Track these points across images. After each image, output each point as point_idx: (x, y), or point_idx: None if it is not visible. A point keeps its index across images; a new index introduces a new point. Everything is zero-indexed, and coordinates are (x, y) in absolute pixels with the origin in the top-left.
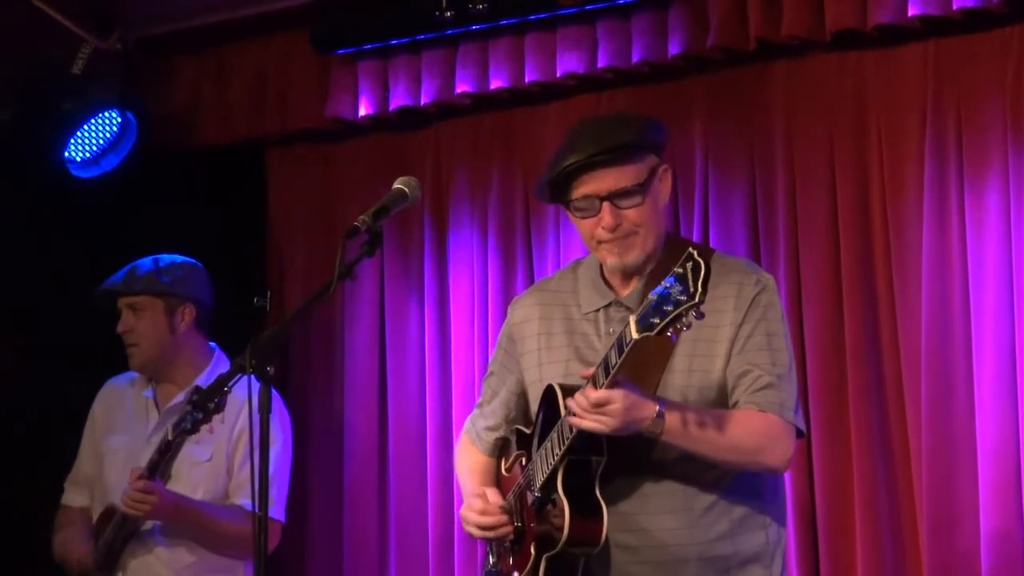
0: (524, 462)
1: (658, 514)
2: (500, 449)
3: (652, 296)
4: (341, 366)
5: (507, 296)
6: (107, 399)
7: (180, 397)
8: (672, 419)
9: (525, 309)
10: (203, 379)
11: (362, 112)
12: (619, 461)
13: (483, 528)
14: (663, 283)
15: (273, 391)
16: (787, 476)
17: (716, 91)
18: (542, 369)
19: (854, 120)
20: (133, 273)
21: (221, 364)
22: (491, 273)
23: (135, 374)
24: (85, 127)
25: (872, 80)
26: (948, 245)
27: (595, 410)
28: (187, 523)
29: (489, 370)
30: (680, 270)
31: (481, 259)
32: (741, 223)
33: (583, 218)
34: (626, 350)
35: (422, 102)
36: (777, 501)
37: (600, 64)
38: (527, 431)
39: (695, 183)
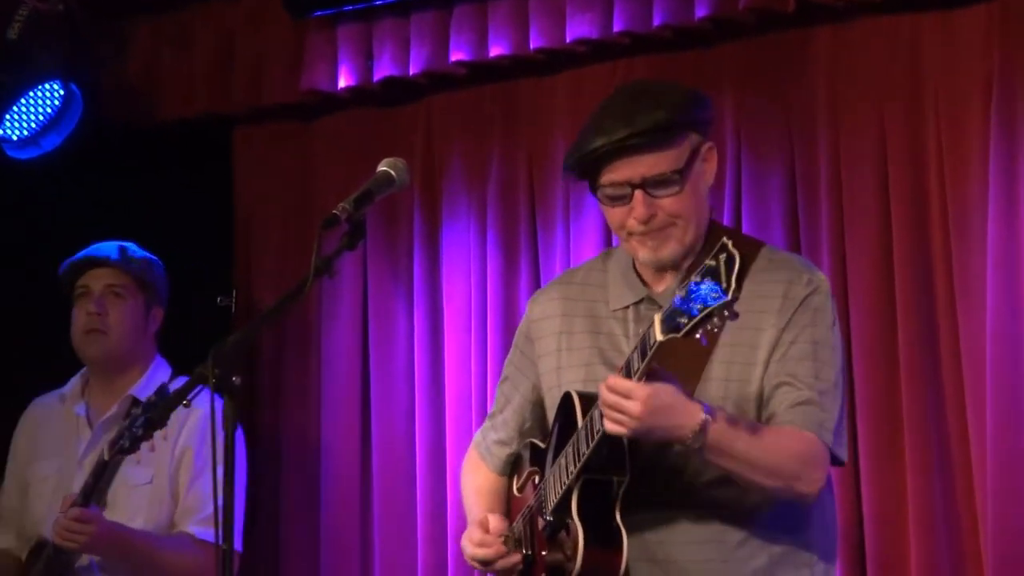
0: (537, 481)
1: (687, 544)
2: (512, 466)
3: (680, 292)
4: (318, 377)
5: (508, 298)
6: (31, 423)
7: (114, 409)
8: (716, 432)
9: (545, 304)
10: (139, 389)
11: (342, 83)
12: (644, 482)
13: (480, 561)
14: (692, 277)
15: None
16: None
17: (749, 60)
18: (561, 373)
19: (908, 93)
20: (126, 252)
21: (159, 373)
22: (490, 271)
23: (65, 390)
24: (22, 101)
25: (929, 46)
26: (1017, 237)
27: (616, 402)
28: (131, 556)
29: (503, 374)
30: (712, 263)
31: (479, 255)
32: (778, 213)
33: (613, 206)
34: (649, 353)
35: (411, 72)
36: (826, 536)
37: (616, 28)
38: (542, 445)
39: (725, 168)
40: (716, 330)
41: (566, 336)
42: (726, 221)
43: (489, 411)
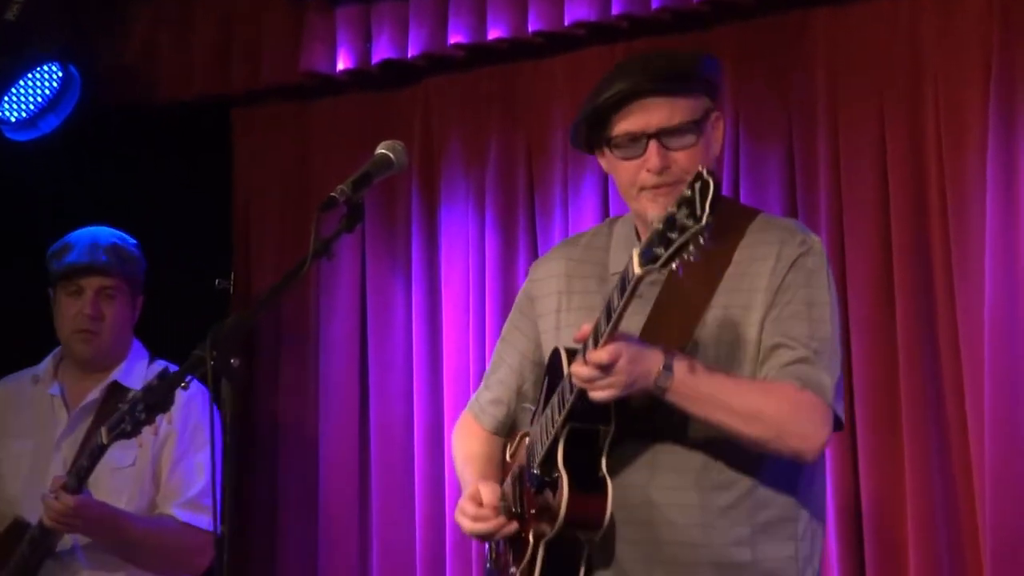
0: (527, 441)
1: (668, 506)
2: (508, 428)
3: (657, 225)
4: (316, 360)
5: (507, 281)
6: (2, 401)
7: (95, 394)
8: (681, 372)
9: (549, 264)
10: (121, 374)
11: (341, 66)
12: (630, 437)
13: (479, 535)
14: (668, 208)
15: (202, 387)
16: (828, 486)
17: (748, 43)
18: (559, 333)
19: (907, 76)
20: (119, 252)
21: (138, 358)
22: (488, 254)
23: (38, 370)
24: (21, 83)
25: (928, 30)
26: (1016, 222)
27: (601, 374)
28: (119, 537)
29: (501, 336)
30: (688, 192)
31: (477, 237)
32: (777, 196)
33: (624, 158)
34: (628, 288)
35: (409, 54)
36: (813, 510)
37: (614, 11)
38: (534, 408)
39: (724, 152)
40: (692, 258)
41: (566, 296)
42: None
43: (485, 374)
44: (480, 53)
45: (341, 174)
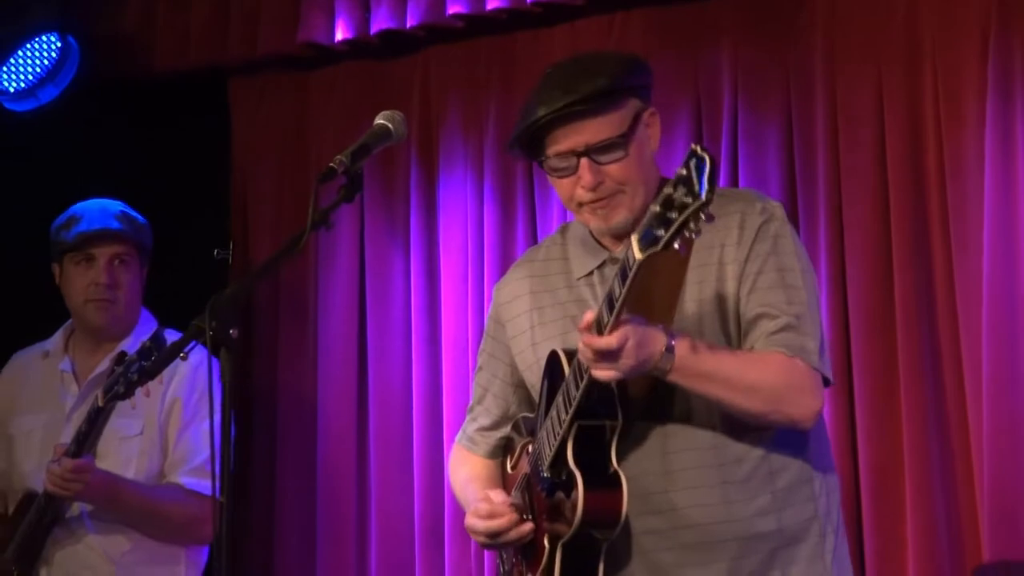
0: (530, 448)
1: (688, 489)
2: (503, 451)
3: (654, 207)
4: (314, 330)
5: (505, 250)
6: (13, 376)
7: (104, 365)
8: (683, 351)
9: (513, 285)
10: (129, 344)
11: (339, 36)
12: (637, 427)
13: (496, 535)
14: (664, 189)
15: (206, 354)
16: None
17: (747, 14)
18: (536, 349)
19: (906, 48)
20: (130, 220)
21: (146, 327)
22: (487, 223)
23: (48, 345)
24: (19, 53)
25: (926, 2)
26: (1014, 194)
27: (608, 359)
28: (122, 505)
29: (478, 365)
30: (683, 171)
31: (476, 207)
32: (775, 169)
33: (560, 178)
34: (630, 275)
35: (408, 24)
36: (824, 467)
37: None
38: (532, 415)
39: (722, 121)
40: (695, 235)
41: (537, 312)
42: (723, 176)
43: (468, 406)
44: (478, 23)
45: (339, 144)
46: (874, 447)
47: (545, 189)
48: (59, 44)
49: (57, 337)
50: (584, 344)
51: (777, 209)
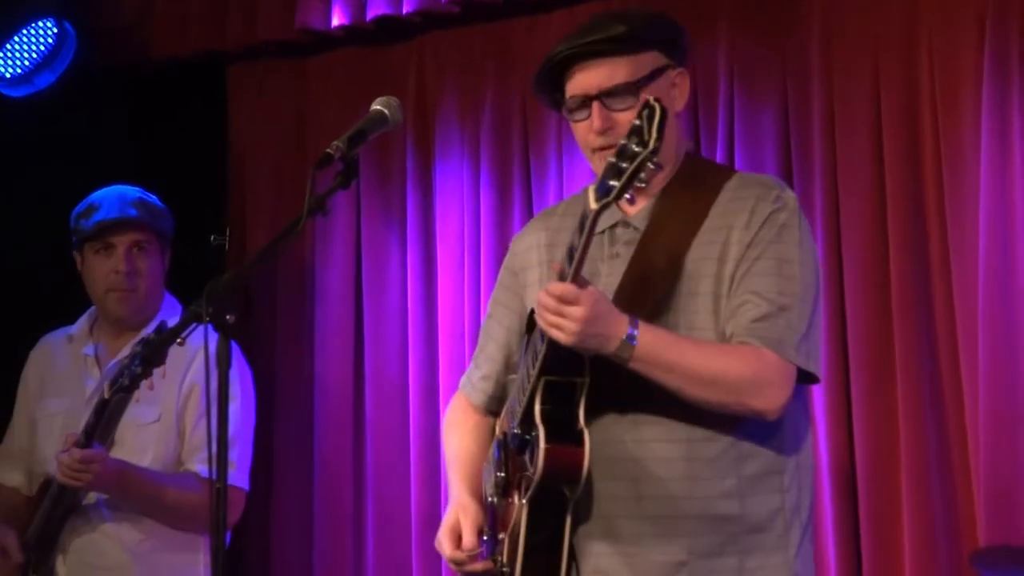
0: (506, 405)
1: (654, 460)
2: (500, 403)
3: (610, 158)
4: (311, 315)
5: (501, 235)
6: (41, 359)
7: (127, 351)
8: (645, 342)
9: (528, 237)
10: (151, 330)
11: (336, 22)
12: (612, 392)
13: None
14: (620, 140)
15: (231, 342)
16: (822, 441)
17: (744, 0)
18: None
19: (902, 34)
20: (149, 206)
21: (171, 312)
22: (483, 209)
23: (73, 330)
24: (15, 39)
25: None
26: (1011, 180)
27: (557, 307)
28: (135, 494)
29: (487, 312)
30: (637, 121)
31: (472, 193)
32: (772, 152)
33: (576, 121)
34: (587, 225)
35: (404, 10)
36: (798, 462)
37: None
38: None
39: (718, 107)
40: (644, 184)
41: (548, 265)
42: (719, 158)
43: (474, 354)
44: (475, 9)
45: (336, 130)
46: (870, 440)
47: (541, 175)
48: (55, 30)
49: (82, 322)
50: (541, 292)
51: (791, 200)
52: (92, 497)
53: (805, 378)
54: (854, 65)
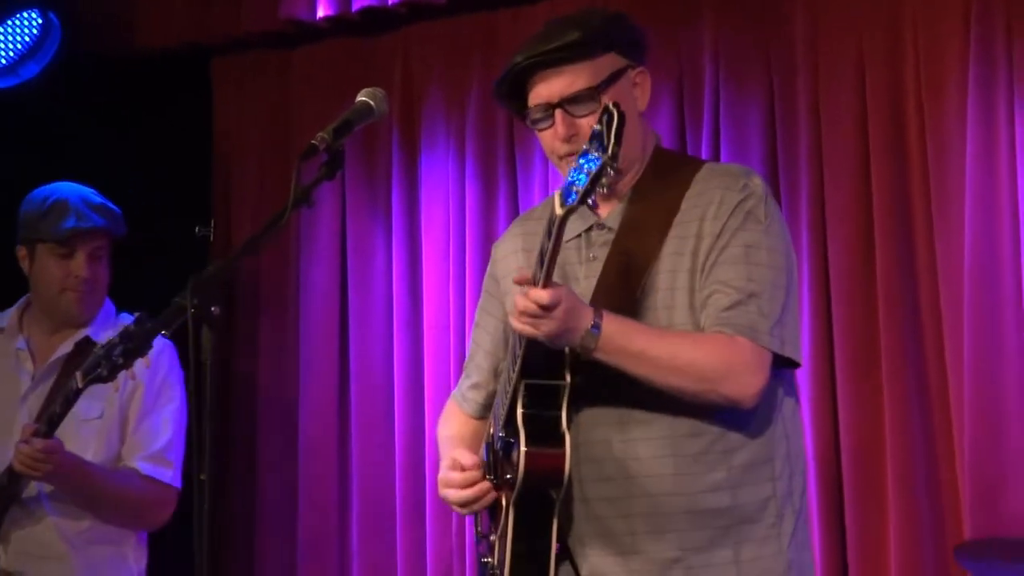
0: (493, 409)
1: (641, 459)
2: (491, 409)
3: (573, 164)
4: (296, 309)
5: (487, 228)
6: None
7: (66, 348)
8: (609, 331)
9: (508, 242)
10: (93, 330)
11: (321, 13)
12: (596, 393)
13: (466, 503)
14: (584, 146)
15: (167, 341)
16: (808, 431)
17: None
18: None
19: (887, 24)
20: (112, 215)
21: (109, 313)
22: (469, 202)
23: (3, 322)
24: (0, 30)
25: None
26: (996, 169)
27: (530, 307)
28: (85, 489)
29: (475, 321)
30: (597, 126)
31: (457, 185)
32: (757, 144)
33: (541, 130)
34: (554, 231)
35: (390, 1)
36: (789, 449)
37: None
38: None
39: (703, 96)
40: (604, 189)
41: (527, 270)
42: (704, 150)
43: (464, 363)
44: (460, 0)
45: (321, 122)
46: (856, 429)
47: (527, 167)
48: (40, 21)
49: (11, 314)
50: (518, 297)
51: (758, 187)
52: (33, 489)
53: (785, 363)
54: (839, 56)
